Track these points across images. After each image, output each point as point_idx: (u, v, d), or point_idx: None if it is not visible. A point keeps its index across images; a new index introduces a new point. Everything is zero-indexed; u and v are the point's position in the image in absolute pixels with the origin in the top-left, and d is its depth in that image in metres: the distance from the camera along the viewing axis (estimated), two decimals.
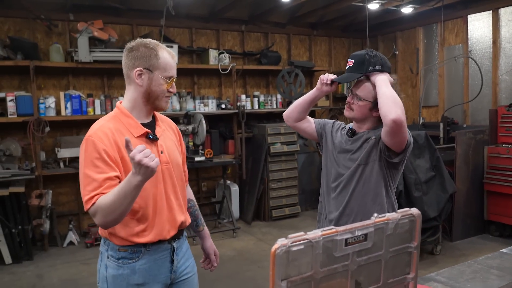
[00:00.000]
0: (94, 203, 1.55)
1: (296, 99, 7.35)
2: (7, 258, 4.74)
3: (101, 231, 1.74)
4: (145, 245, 1.70)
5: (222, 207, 6.06)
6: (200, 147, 5.68)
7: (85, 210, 1.59)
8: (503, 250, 2.12)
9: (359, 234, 1.11)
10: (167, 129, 1.86)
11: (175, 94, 5.86)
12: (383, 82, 1.93)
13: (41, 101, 5.20)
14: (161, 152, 1.75)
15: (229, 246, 5.21)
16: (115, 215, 1.53)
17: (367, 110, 2.03)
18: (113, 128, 1.66)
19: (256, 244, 5.28)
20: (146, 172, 1.44)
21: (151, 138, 1.72)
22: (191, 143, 5.64)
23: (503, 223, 5.11)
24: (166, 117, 1.94)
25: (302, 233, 1.02)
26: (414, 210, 1.21)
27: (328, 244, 1.06)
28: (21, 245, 4.85)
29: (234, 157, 6.33)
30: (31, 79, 5.09)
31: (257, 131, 6.45)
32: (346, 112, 2.09)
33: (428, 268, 4.24)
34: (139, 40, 1.74)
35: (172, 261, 1.79)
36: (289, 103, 6.89)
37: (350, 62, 2.04)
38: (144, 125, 1.74)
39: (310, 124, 2.27)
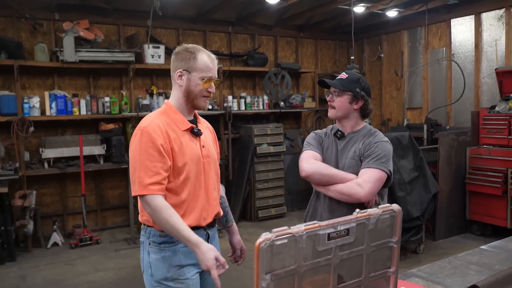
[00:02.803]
0: (150, 195, 1.72)
1: (282, 100, 7.30)
2: None
3: (142, 218, 1.89)
4: None
5: None
6: None
7: (134, 194, 1.77)
8: (483, 247, 2.18)
9: (342, 229, 1.14)
10: (205, 128, 2.02)
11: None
12: None
13: (26, 100, 5.15)
14: (203, 147, 1.92)
15: None
16: (158, 222, 1.76)
17: (347, 103, 2.12)
18: (164, 121, 1.83)
19: None
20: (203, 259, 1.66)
21: (196, 132, 1.89)
22: None
23: (485, 223, 5.21)
24: (204, 119, 2.09)
25: (286, 227, 1.05)
26: (395, 206, 1.24)
27: (311, 238, 1.08)
28: (4, 246, 4.78)
29: (220, 158, 6.32)
30: (15, 78, 5.03)
31: (243, 132, 6.48)
32: (330, 113, 2.18)
33: (411, 266, 4.26)
34: (184, 45, 1.92)
35: None
36: (275, 105, 6.94)
37: (343, 75, 2.16)
38: (189, 121, 1.91)
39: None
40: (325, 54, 7.88)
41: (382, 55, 7.44)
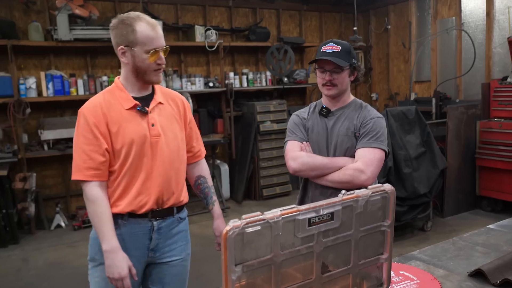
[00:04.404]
0: (86, 182, 1.67)
1: (286, 76, 7.09)
2: None
3: None
4: (122, 216, 1.73)
5: None
6: None
7: (72, 178, 1.70)
8: (490, 226, 2.04)
9: (325, 213, 1.02)
10: (168, 103, 1.84)
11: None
12: None
13: (21, 82, 5.04)
14: (152, 125, 1.75)
15: None
16: (88, 213, 1.72)
17: (347, 77, 1.96)
18: (105, 101, 1.72)
19: None
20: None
21: (139, 110, 1.73)
22: None
23: (495, 198, 5.05)
24: (172, 91, 1.92)
25: (258, 213, 0.93)
26: (387, 186, 1.11)
27: (288, 224, 0.96)
28: (6, 229, 4.77)
29: (223, 136, 6.22)
30: (9, 59, 4.91)
31: (246, 109, 6.33)
32: (331, 91, 1.95)
33: (418, 244, 4.20)
34: (118, 16, 1.73)
35: (150, 239, 1.78)
36: (279, 81, 6.75)
37: (336, 47, 1.91)
38: (140, 98, 1.76)
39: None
40: (330, 27, 7.61)
41: (389, 27, 7.16)
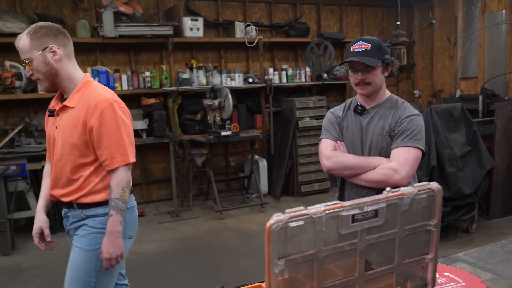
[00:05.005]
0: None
1: (325, 72, 7.00)
2: None
3: None
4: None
5: (250, 182, 6.03)
6: (227, 122, 5.62)
7: None
8: None
9: (369, 210, 1.00)
10: (78, 107, 1.86)
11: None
12: None
13: None
14: (56, 127, 1.92)
15: (256, 220, 5.17)
16: None
17: (380, 74, 1.93)
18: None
19: None
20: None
21: (48, 111, 1.99)
22: (218, 118, 5.58)
23: None
24: (93, 95, 1.88)
25: (301, 207, 0.93)
26: (434, 185, 1.08)
27: (332, 220, 0.96)
28: (55, 216, 5.00)
29: (262, 132, 6.24)
30: None
31: (285, 105, 6.31)
32: (364, 90, 1.93)
33: (462, 247, 4.05)
34: None
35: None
36: (318, 77, 6.68)
37: (366, 45, 1.89)
38: (64, 99, 1.94)
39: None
40: (372, 22, 7.45)
41: (434, 21, 6.92)
